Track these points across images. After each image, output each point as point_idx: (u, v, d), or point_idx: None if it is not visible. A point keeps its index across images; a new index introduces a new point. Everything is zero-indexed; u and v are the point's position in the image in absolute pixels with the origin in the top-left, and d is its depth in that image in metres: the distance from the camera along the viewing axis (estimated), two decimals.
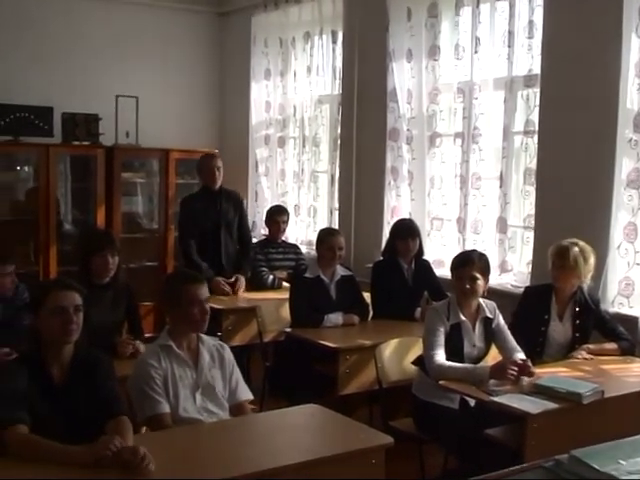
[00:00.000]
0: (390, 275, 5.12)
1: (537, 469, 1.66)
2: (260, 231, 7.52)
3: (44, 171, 6.91)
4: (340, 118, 6.86)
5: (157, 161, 7.54)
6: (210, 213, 5.80)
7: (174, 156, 7.47)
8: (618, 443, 1.72)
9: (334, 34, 6.88)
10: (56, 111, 6.97)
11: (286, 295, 5.10)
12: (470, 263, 3.96)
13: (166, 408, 3.07)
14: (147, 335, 4.25)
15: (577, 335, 4.22)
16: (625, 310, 4.74)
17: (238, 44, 7.99)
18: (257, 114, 7.84)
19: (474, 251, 4.24)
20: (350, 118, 6.70)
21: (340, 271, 5.03)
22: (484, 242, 5.76)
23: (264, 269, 5.99)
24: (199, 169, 6.03)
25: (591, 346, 4.18)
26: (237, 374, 3.33)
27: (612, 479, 1.51)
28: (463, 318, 3.91)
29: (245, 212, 6.27)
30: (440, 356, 3.77)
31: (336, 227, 6.59)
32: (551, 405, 3.34)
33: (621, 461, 1.57)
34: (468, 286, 3.89)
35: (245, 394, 3.33)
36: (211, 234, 5.79)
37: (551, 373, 3.72)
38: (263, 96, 7.76)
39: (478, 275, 3.91)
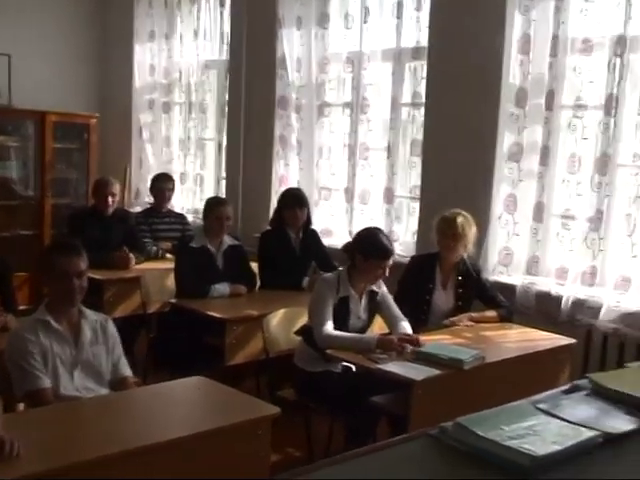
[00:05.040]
0: (278, 245, 5.09)
1: (422, 437, 1.67)
2: (144, 199, 7.35)
3: None
4: (228, 84, 6.76)
5: (32, 124, 7.18)
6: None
7: (51, 119, 7.14)
8: (501, 409, 1.76)
9: None
10: None
11: (171, 265, 4.99)
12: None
13: (46, 383, 2.94)
14: (22, 307, 4.07)
15: (460, 303, 4.33)
16: (504, 278, 4.90)
17: (121, 3, 7.69)
18: (141, 77, 7.60)
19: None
20: (238, 85, 6.60)
21: (227, 241, 4.96)
22: (371, 212, 5.82)
23: (147, 239, 5.85)
24: (93, 192, 5.83)
25: (473, 314, 4.29)
26: (119, 349, 3.23)
27: (495, 445, 1.53)
28: (352, 292, 3.92)
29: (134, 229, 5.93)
30: (329, 326, 3.78)
31: (223, 196, 6.51)
32: (434, 372, 3.40)
33: (503, 427, 1.60)
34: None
35: (127, 369, 3.24)
36: None
37: (435, 340, 3.80)
38: (147, 59, 7.53)
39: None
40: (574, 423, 1.70)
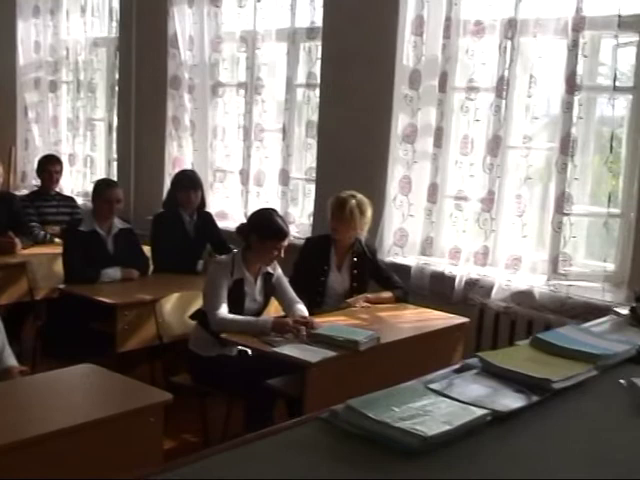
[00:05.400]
0: (171, 228, 4.97)
1: (314, 420, 1.64)
2: (31, 182, 7.07)
3: None
4: (118, 63, 6.56)
5: None
6: None
7: None
8: (392, 390, 1.74)
9: None
10: None
11: (59, 250, 4.81)
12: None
13: None
14: None
15: (355, 285, 4.33)
16: (400, 259, 4.94)
17: None
18: (25, 55, 7.31)
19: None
20: (128, 64, 6.42)
21: (118, 224, 4.81)
22: (267, 194, 5.78)
23: (34, 223, 5.61)
24: None
25: (368, 295, 4.30)
26: (3, 337, 3.09)
27: (385, 426, 1.50)
28: (247, 274, 3.86)
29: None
30: (223, 309, 3.71)
31: (115, 178, 6.33)
32: (330, 353, 3.39)
33: (394, 408, 1.58)
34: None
35: (12, 359, 3.09)
36: None
37: (330, 322, 3.78)
38: (32, 36, 7.25)
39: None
40: (464, 402, 1.69)
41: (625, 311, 2.87)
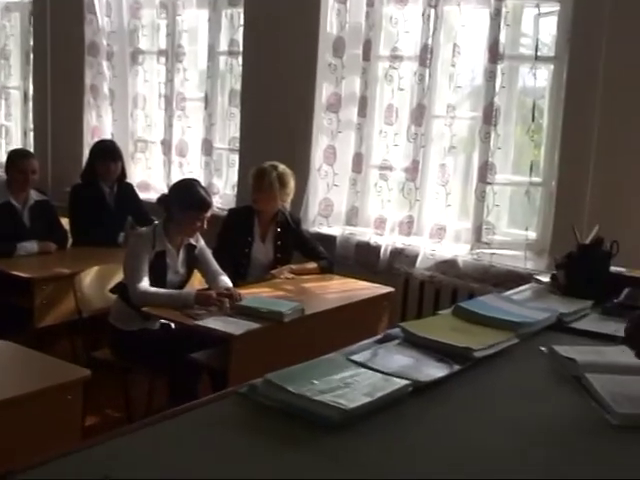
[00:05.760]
0: (90, 199, 4.82)
1: (233, 395, 1.59)
2: None
3: None
4: (32, 29, 6.30)
5: None
6: None
7: None
8: (314, 363, 1.71)
9: None
10: None
11: None
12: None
13: None
14: None
15: (279, 256, 4.28)
16: (325, 230, 4.92)
17: None
18: None
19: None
20: (43, 30, 6.18)
21: (34, 196, 4.64)
22: (190, 165, 5.67)
23: None
24: None
25: (293, 266, 4.26)
26: None
27: (305, 399, 1.47)
28: (169, 246, 3.78)
29: None
30: (144, 282, 3.63)
31: (31, 149, 6.12)
32: (254, 325, 3.34)
33: (314, 381, 1.55)
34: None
35: None
36: None
37: (254, 294, 3.74)
38: None
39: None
40: (385, 373, 1.67)
41: (546, 279, 2.90)
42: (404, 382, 1.63)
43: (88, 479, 1.26)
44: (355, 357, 1.76)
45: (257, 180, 4.20)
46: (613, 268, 2.76)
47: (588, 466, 1.44)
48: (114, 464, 1.32)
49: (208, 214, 3.74)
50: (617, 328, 2.30)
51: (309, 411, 1.47)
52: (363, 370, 1.68)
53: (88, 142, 5.89)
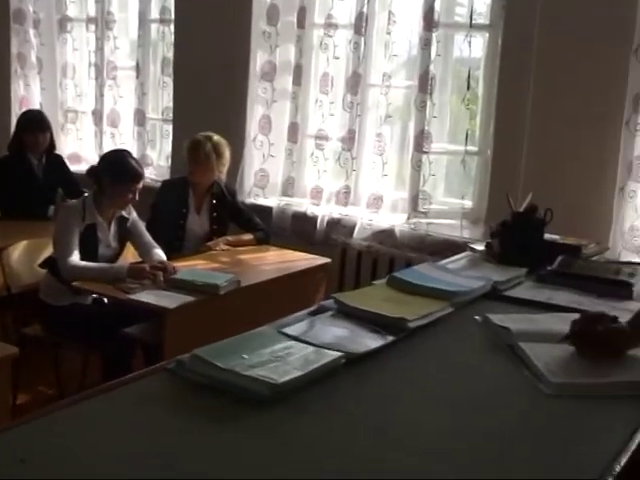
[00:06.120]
0: (18, 172, 4.67)
1: (161, 372, 1.54)
2: None
3: None
4: None
5: None
6: None
7: None
8: (243, 336, 1.67)
9: None
10: None
11: None
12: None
13: None
14: None
15: (215, 227, 4.22)
16: (261, 201, 4.86)
17: None
18: None
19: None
20: None
21: None
22: (122, 135, 5.54)
23: None
24: None
25: (229, 237, 4.20)
26: None
27: (234, 375, 1.43)
28: (100, 219, 3.68)
29: None
30: (74, 256, 3.53)
31: None
32: (188, 298, 3.29)
33: (244, 355, 1.51)
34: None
35: None
36: None
37: (189, 266, 3.67)
38: None
39: None
40: (318, 345, 1.64)
41: (481, 247, 2.90)
42: (337, 354, 1.60)
43: (4, 463, 1.20)
44: (287, 330, 1.72)
45: (192, 152, 4.12)
46: (547, 236, 2.78)
47: (519, 433, 1.44)
48: (34, 446, 1.26)
49: (140, 185, 3.65)
50: (551, 295, 2.32)
51: (238, 386, 1.42)
52: (295, 343, 1.64)
53: (16, 112, 5.69)
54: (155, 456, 1.24)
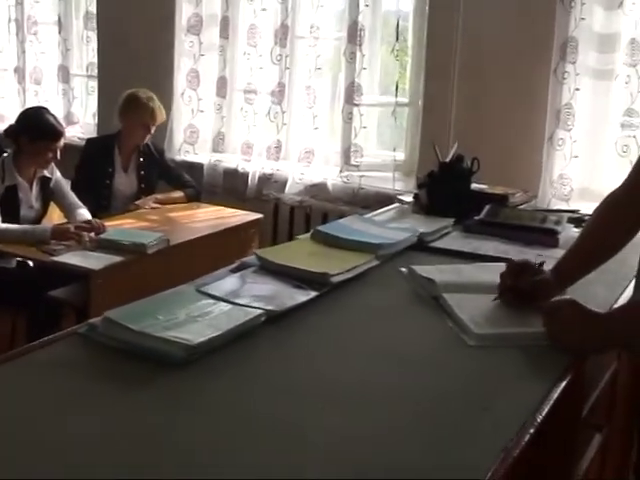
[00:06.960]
0: None
1: (72, 336, 1.48)
2: None
3: None
4: None
5: None
6: None
7: None
8: (159, 297, 1.61)
9: None
10: None
11: None
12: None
13: None
14: None
15: (143, 186, 4.12)
16: (191, 157, 4.77)
17: None
18: None
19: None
20: None
21: None
22: (46, 93, 5.36)
23: None
24: None
25: (158, 195, 4.12)
26: None
27: (147, 337, 1.38)
28: (20, 179, 3.56)
29: None
30: None
31: None
32: (115, 259, 3.22)
33: (160, 316, 1.46)
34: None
35: None
36: None
37: (117, 226, 3.59)
38: None
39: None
40: (237, 304, 1.59)
41: (409, 198, 2.88)
42: (257, 312, 1.56)
43: None
44: (206, 288, 1.67)
45: (139, 111, 4.03)
46: (475, 185, 2.77)
47: (441, 385, 1.42)
48: None
49: (60, 143, 3.54)
50: (477, 245, 2.32)
51: (152, 349, 1.37)
52: (213, 302, 1.59)
53: None
54: (64, 423, 1.19)
